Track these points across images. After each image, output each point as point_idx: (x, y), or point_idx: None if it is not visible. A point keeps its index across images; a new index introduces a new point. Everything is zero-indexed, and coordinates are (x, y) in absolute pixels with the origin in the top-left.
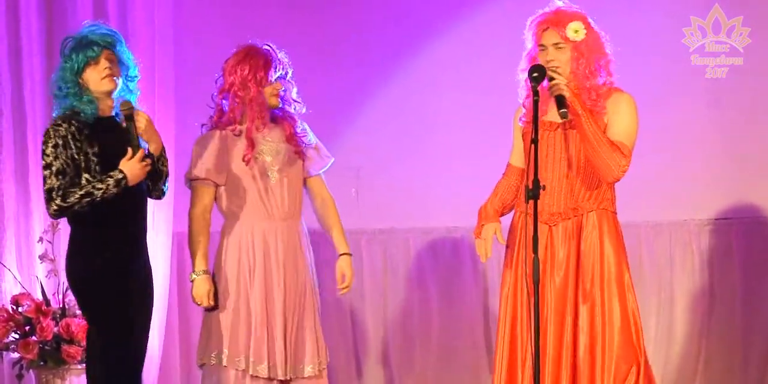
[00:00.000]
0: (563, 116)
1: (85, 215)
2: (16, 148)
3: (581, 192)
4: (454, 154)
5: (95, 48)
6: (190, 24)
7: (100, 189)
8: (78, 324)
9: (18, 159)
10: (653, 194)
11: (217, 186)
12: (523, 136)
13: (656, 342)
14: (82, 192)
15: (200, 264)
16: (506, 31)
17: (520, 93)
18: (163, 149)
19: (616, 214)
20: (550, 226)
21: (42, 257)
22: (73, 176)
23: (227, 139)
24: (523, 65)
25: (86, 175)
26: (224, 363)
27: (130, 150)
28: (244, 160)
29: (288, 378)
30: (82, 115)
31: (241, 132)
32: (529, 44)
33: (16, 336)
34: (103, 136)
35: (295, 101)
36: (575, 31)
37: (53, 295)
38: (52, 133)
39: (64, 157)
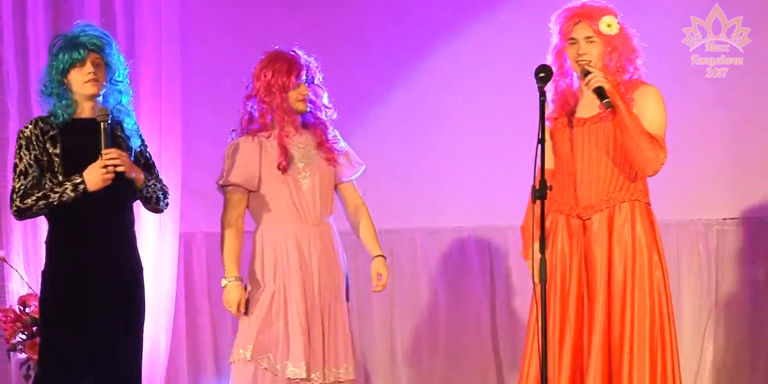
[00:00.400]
0: (607, 106)
1: (51, 220)
2: None
3: (613, 185)
4: (460, 154)
5: (82, 51)
6: (197, 23)
7: (57, 192)
8: None
9: None
10: (659, 194)
11: (249, 192)
12: (551, 134)
13: None
14: (39, 194)
15: (233, 270)
16: (515, 30)
17: (547, 90)
18: (147, 179)
19: (650, 205)
20: (583, 219)
21: None
22: (39, 177)
23: (259, 145)
24: (550, 60)
25: (48, 175)
26: (248, 358)
27: (103, 158)
28: (279, 168)
29: (326, 381)
30: (52, 117)
31: (273, 138)
32: (556, 39)
33: (24, 336)
34: (76, 137)
35: (326, 107)
36: (608, 25)
37: None
38: (19, 134)
39: (27, 159)
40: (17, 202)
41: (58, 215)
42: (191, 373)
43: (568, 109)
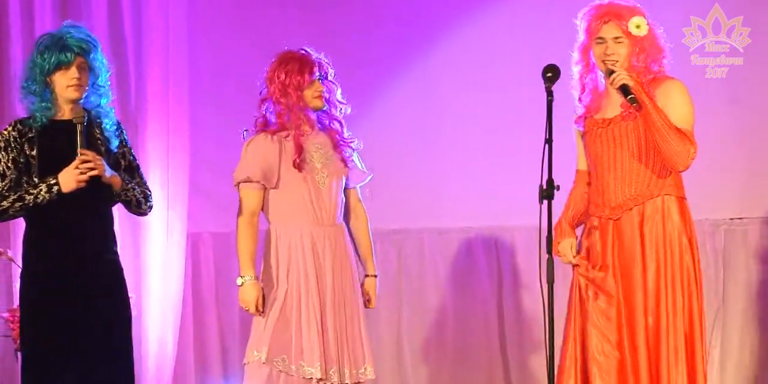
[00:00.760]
0: (632, 101)
1: (29, 222)
2: None
3: (640, 183)
4: (467, 154)
5: (69, 54)
6: (204, 24)
7: (32, 194)
8: None
9: None
10: None
11: (265, 189)
12: (582, 135)
13: None
14: (15, 196)
15: (248, 269)
16: (522, 27)
17: (573, 88)
18: (126, 182)
19: (683, 198)
20: (613, 220)
21: None
22: (17, 179)
23: (279, 143)
24: (576, 58)
25: (25, 178)
26: (263, 360)
27: (78, 160)
28: (294, 166)
29: (343, 381)
30: (31, 120)
31: (290, 137)
32: (582, 36)
33: None
34: (54, 139)
35: (340, 103)
36: (637, 26)
37: None
38: None
39: (5, 161)
40: None
41: (34, 217)
42: (198, 373)
43: (597, 108)
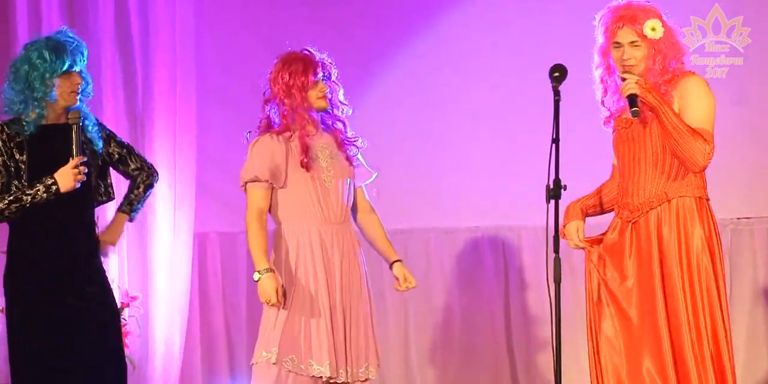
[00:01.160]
0: (634, 115)
1: (17, 224)
2: None
3: (658, 185)
4: (474, 153)
5: (76, 59)
6: (211, 22)
7: (29, 195)
8: None
9: None
10: None
11: (273, 189)
12: (613, 132)
13: None
14: (11, 198)
15: (263, 262)
16: (531, 25)
17: (596, 91)
18: (131, 210)
19: (702, 199)
20: (632, 222)
21: None
22: (7, 183)
23: (284, 143)
24: (597, 61)
25: (15, 182)
26: (273, 361)
27: (77, 158)
28: (302, 166)
29: (349, 380)
30: (22, 125)
31: (294, 138)
32: (600, 39)
33: None
34: (43, 143)
35: (342, 103)
36: (652, 28)
37: None
38: None
39: None
40: None
41: (28, 217)
42: (205, 373)
43: (623, 108)
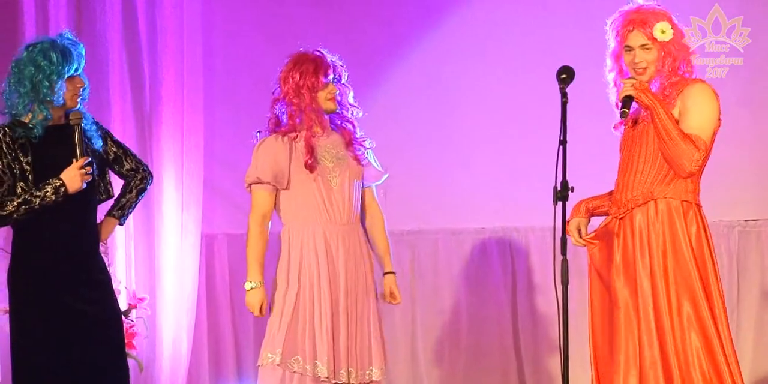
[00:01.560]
0: (622, 116)
1: (21, 224)
2: None
3: (647, 184)
4: (482, 155)
5: (82, 62)
6: (219, 23)
7: (38, 196)
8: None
9: None
10: None
11: (277, 190)
12: (621, 135)
13: None
14: (19, 200)
15: (256, 274)
16: (539, 26)
17: (610, 94)
18: (121, 214)
19: (691, 203)
20: (619, 218)
21: None
22: (13, 185)
23: (289, 144)
24: (610, 65)
25: (21, 184)
26: (277, 362)
27: (83, 159)
28: (306, 167)
29: (352, 382)
30: (27, 128)
31: (300, 138)
32: (612, 43)
33: None
34: (46, 145)
35: (352, 105)
36: (662, 31)
37: None
38: None
39: (0, 167)
40: None
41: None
42: (212, 374)
43: (636, 111)
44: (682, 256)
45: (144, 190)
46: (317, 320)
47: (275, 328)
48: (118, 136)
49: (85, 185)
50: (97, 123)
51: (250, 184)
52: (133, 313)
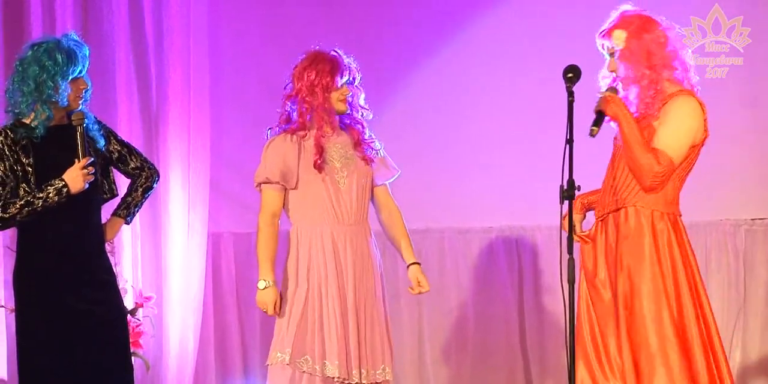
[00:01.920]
0: (590, 133)
1: (25, 224)
2: None
3: (621, 190)
4: (489, 153)
5: (85, 65)
6: (225, 23)
7: (40, 198)
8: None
9: None
10: (688, 194)
11: (285, 190)
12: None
13: None
14: (22, 202)
15: (268, 272)
16: (547, 26)
17: None
18: (127, 214)
19: (664, 213)
20: (600, 220)
21: None
22: (15, 187)
23: (298, 144)
24: (604, 72)
25: (23, 186)
26: (287, 362)
27: (85, 159)
28: (315, 167)
29: (364, 381)
30: (29, 129)
31: (310, 137)
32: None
33: None
34: (48, 145)
35: (363, 108)
36: (617, 38)
37: None
38: None
39: (2, 169)
40: (0, 213)
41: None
42: (219, 373)
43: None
44: (642, 269)
45: (150, 188)
46: (326, 320)
47: (284, 327)
48: (124, 136)
49: (87, 186)
50: (99, 122)
51: (260, 184)
52: (140, 312)
